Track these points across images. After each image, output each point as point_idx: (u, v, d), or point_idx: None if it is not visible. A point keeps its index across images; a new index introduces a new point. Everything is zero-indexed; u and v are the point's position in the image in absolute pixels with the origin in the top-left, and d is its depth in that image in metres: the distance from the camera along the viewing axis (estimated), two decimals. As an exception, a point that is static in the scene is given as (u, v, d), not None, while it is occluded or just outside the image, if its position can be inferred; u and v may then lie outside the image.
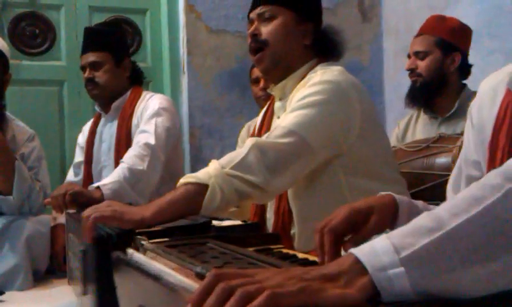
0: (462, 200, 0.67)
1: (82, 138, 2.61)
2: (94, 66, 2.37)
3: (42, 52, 3.09)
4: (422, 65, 2.20)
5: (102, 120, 2.52)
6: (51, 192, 2.44)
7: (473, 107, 1.17)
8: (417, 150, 1.99)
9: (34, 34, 3.07)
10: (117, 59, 2.40)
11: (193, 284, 0.75)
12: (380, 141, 1.61)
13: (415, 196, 1.75)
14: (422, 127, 2.31)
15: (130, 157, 2.19)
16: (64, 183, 2.31)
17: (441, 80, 2.19)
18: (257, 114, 2.73)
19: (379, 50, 3.42)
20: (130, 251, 1.07)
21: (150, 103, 2.38)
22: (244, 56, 3.07)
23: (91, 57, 2.37)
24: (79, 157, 2.59)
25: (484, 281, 0.65)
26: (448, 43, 2.18)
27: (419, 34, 2.26)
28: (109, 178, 2.10)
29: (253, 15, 1.64)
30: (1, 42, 2.40)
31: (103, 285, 1.21)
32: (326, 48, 1.64)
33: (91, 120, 2.61)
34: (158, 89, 3.21)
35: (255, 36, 1.61)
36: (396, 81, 3.24)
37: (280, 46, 1.59)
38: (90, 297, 1.31)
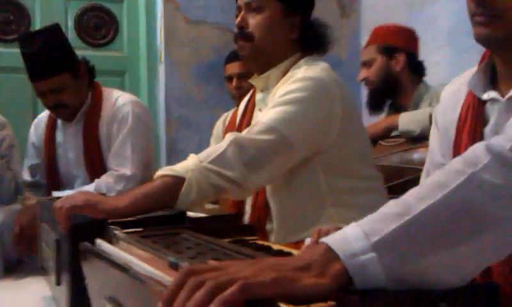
0: (427, 186, 0.69)
1: (36, 138, 2.45)
2: (56, 91, 2.20)
3: (14, 39, 3.03)
4: (370, 73, 2.32)
5: (63, 126, 2.37)
6: (22, 180, 2.40)
7: (438, 112, 1.21)
8: (396, 144, 2.03)
9: (8, 20, 3.01)
10: (74, 73, 2.23)
11: (162, 276, 0.74)
12: (359, 139, 1.61)
13: (393, 189, 1.78)
14: None
15: (102, 181, 2.18)
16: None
17: (392, 81, 2.29)
18: (234, 108, 2.73)
19: (357, 45, 3.43)
20: (98, 241, 1.06)
21: (121, 112, 2.26)
22: (223, 48, 3.06)
23: (49, 84, 2.16)
24: (34, 157, 2.45)
25: (454, 267, 0.66)
26: (390, 47, 2.29)
27: (366, 46, 2.39)
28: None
29: (240, 1, 1.61)
30: None
31: (77, 275, 1.19)
32: (312, 42, 1.63)
33: (43, 116, 2.46)
34: (134, 80, 3.17)
35: (241, 27, 1.58)
36: (373, 76, 3.26)
37: (264, 40, 1.57)
38: (64, 287, 1.29)
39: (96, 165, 2.28)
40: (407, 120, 2.08)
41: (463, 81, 1.14)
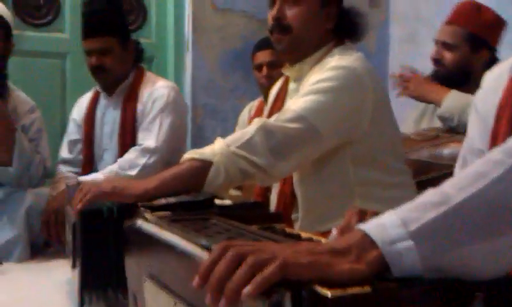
0: (467, 176, 0.68)
1: (78, 114, 2.54)
2: (101, 52, 2.30)
3: (46, 23, 3.05)
4: (448, 57, 2.13)
5: (104, 102, 2.47)
6: (52, 164, 2.44)
7: (478, 97, 1.19)
8: (425, 139, 1.98)
9: (38, 5, 3.04)
10: (124, 42, 2.35)
11: (204, 253, 0.75)
12: (390, 131, 1.59)
13: (421, 184, 1.75)
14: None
15: (124, 159, 2.22)
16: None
17: (466, 76, 2.12)
18: (260, 97, 2.72)
19: (385, 37, 3.39)
20: (139, 221, 1.07)
21: (158, 93, 2.33)
22: (250, 36, 3.05)
23: (97, 43, 2.29)
24: (74, 133, 2.53)
25: (494, 258, 0.65)
26: (479, 39, 2.10)
27: (449, 23, 2.17)
28: (98, 175, 2.15)
29: None
30: (4, 9, 2.36)
31: (87, 259, 1.22)
32: (347, 31, 1.61)
33: (87, 95, 2.55)
34: (162, 67, 3.18)
35: (278, 19, 1.55)
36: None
37: (303, 32, 1.55)
38: (77, 270, 1.31)
39: (128, 141, 2.32)
40: (453, 100, 1.96)
41: (505, 68, 1.12)
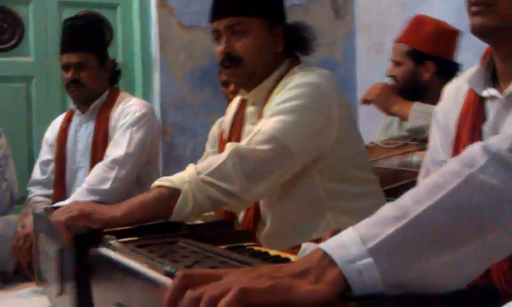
0: (424, 188, 0.68)
1: (50, 135, 2.52)
2: (79, 66, 2.30)
3: (10, 47, 3.01)
4: (398, 73, 2.21)
5: (77, 119, 2.45)
6: (19, 190, 2.40)
7: (438, 109, 1.22)
8: (395, 147, 2.00)
9: (2, 29, 3.00)
10: (101, 60, 2.36)
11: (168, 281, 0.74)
12: (356, 143, 1.61)
13: (392, 192, 1.77)
14: None
15: (92, 176, 2.18)
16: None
17: (417, 88, 2.18)
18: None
19: (352, 47, 3.42)
20: (103, 249, 1.05)
21: (129, 109, 2.33)
22: (217, 52, 3.05)
23: (75, 57, 2.29)
24: (46, 154, 2.51)
25: (453, 270, 0.65)
26: (421, 53, 2.17)
27: (397, 41, 2.26)
28: (70, 200, 2.08)
29: (219, 26, 1.55)
30: None
31: (82, 284, 1.19)
32: (298, 47, 1.61)
33: (60, 117, 2.54)
34: (130, 86, 3.16)
35: (227, 53, 1.53)
36: (369, 77, 3.25)
37: (254, 60, 1.54)
38: (68, 296, 1.28)
39: (99, 158, 2.29)
40: (419, 113, 2.01)
41: (464, 80, 1.14)
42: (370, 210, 0.70)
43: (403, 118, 2.09)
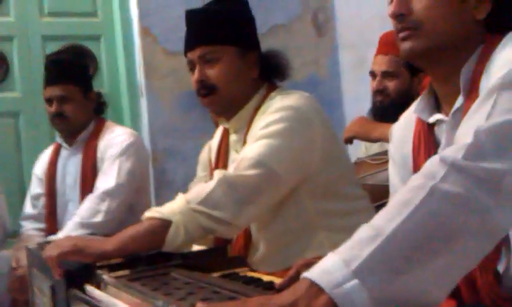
0: (393, 206, 0.71)
1: (40, 169, 2.52)
2: (62, 99, 2.32)
3: (-6, 84, 3.02)
4: (391, 86, 2.15)
5: (65, 152, 2.46)
6: (11, 224, 2.39)
7: (391, 149, 1.24)
8: (382, 162, 2.00)
9: (-14, 66, 3.00)
10: (85, 92, 2.37)
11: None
12: (341, 161, 1.62)
13: (381, 208, 1.76)
14: None
15: (84, 209, 2.19)
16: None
17: (410, 99, 2.14)
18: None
19: (335, 64, 3.45)
20: (88, 287, 1.05)
21: (117, 139, 2.34)
22: (203, 76, 3.06)
23: (58, 90, 2.31)
24: (36, 188, 2.51)
25: (435, 279, 0.67)
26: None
27: (384, 53, 2.21)
28: (62, 233, 2.10)
29: (192, 56, 1.58)
30: None
31: None
32: (272, 74, 1.63)
33: (49, 150, 2.54)
34: (117, 114, 3.17)
35: (201, 81, 1.56)
36: (354, 93, 3.28)
37: (229, 88, 1.56)
38: None
39: (89, 190, 2.29)
40: None
41: (411, 113, 1.17)
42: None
43: (384, 140, 2.07)
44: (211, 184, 1.40)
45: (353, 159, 2.02)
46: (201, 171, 2.61)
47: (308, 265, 0.87)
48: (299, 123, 1.49)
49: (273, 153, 1.44)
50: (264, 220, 1.56)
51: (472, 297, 0.92)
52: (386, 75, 2.18)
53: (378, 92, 2.20)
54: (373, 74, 2.23)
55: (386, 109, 2.16)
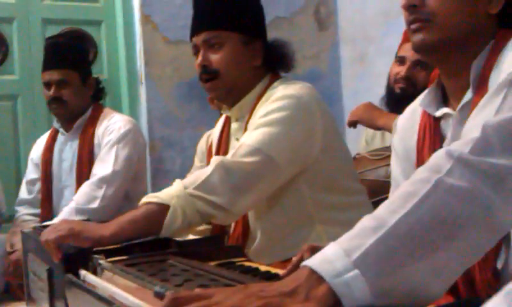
0: (397, 197, 0.71)
1: (36, 154, 2.52)
2: (60, 84, 2.31)
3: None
4: (421, 77, 2.08)
5: (61, 138, 2.45)
6: (7, 208, 2.39)
7: (395, 141, 1.23)
8: (381, 158, 1.99)
9: (-15, 48, 2.98)
10: (83, 77, 2.37)
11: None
12: (341, 153, 1.62)
13: (378, 203, 1.76)
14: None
15: (80, 194, 2.19)
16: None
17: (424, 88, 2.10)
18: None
19: (336, 58, 3.45)
20: (83, 272, 1.05)
21: (114, 126, 2.34)
22: (203, 66, 3.05)
23: (57, 74, 2.31)
24: (32, 173, 2.51)
25: (437, 272, 0.67)
26: None
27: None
28: (58, 218, 2.10)
29: (197, 40, 1.58)
30: None
31: None
32: (277, 64, 1.63)
33: (45, 135, 2.53)
34: (116, 101, 3.16)
35: (204, 66, 1.56)
36: (354, 88, 3.28)
37: (231, 74, 1.56)
38: None
39: (85, 176, 2.30)
40: None
41: (416, 105, 1.16)
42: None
43: (390, 131, 2.07)
44: (208, 169, 1.39)
45: (353, 154, 2.01)
46: (198, 161, 2.61)
47: (314, 250, 0.87)
48: (300, 112, 1.49)
49: (272, 141, 1.44)
50: (262, 209, 1.56)
51: (470, 293, 0.92)
52: (418, 64, 2.09)
53: (404, 79, 2.11)
54: (402, 60, 2.14)
55: (406, 98, 1.98)
